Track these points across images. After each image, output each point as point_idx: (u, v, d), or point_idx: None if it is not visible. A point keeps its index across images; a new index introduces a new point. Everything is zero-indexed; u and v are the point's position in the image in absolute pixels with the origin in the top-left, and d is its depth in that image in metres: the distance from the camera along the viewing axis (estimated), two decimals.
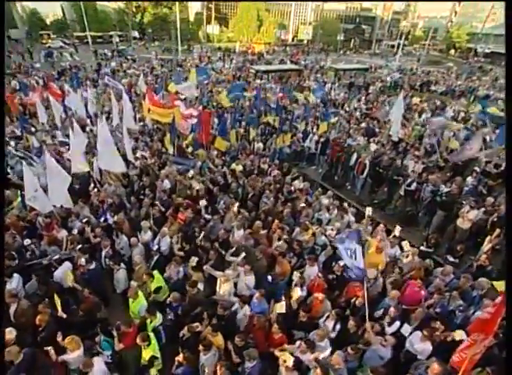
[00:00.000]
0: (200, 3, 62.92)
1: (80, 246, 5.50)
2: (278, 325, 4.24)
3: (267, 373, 4.20)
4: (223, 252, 5.61)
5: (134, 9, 51.29)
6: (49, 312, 4.40)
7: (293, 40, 65.47)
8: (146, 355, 3.97)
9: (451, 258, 6.75)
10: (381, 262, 5.70)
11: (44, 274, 5.19)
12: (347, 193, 9.30)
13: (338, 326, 4.50)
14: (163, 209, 6.77)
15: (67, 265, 5.26)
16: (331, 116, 12.55)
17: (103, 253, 5.62)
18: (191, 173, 7.60)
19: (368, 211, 6.42)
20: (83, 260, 5.20)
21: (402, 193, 8.02)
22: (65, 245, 5.79)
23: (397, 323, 4.66)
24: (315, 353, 3.86)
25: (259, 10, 61.10)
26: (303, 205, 6.70)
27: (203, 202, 6.43)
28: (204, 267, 5.04)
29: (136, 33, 50.15)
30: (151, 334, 4.10)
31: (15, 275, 4.86)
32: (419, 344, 4.40)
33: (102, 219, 6.30)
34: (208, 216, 6.56)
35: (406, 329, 4.62)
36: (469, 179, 8.80)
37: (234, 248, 5.46)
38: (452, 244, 6.92)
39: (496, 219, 6.47)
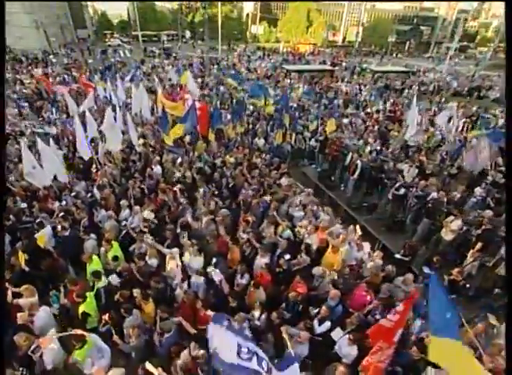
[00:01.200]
0: (253, 3, 64.24)
1: (62, 214, 6.26)
2: (202, 302, 4.44)
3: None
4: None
5: (187, 10, 54.24)
6: (19, 264, 5.15)
7: (343, 41, 63.51)
8: (79, 310, 4.45)
9: (427, 270, 6.25)
10: (336, 262, 5.55)
11: (30, 234, 6.02)
12: (339, 194, 9.01)
13: (263, 317, 4.54)
14: (146, 192, 7.33)
15: (48, 229, 5.99)
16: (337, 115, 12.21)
17: (81, 223, 6.30)
18: (179, 160, 8.08)
19: (327, 211, 6.24)
20: (59, 227, 5.92)
21: (390, 197, 7.58)
22: (56, 214, 6.62)
23: (328, 324, 4.54)
24: None
25: (310, 10, 60.29)
26: (268, 198, 6.72)
27: (177, 187, 6.85)
28: (150, 241, 5.41)
29: (188, 33, 53.01)
30: (90, 293, 4.58)
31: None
32: (346, 347, 4.28)
33: (89, 194, 7.04)
34: (182, 200, 6.95)
35: (337, 333, 4.49)
36: (477, 189, 8.00)
37: (186, 231, 5.76)
38: (432, 255, 6.39)
39: (480, 232, 5.85)
